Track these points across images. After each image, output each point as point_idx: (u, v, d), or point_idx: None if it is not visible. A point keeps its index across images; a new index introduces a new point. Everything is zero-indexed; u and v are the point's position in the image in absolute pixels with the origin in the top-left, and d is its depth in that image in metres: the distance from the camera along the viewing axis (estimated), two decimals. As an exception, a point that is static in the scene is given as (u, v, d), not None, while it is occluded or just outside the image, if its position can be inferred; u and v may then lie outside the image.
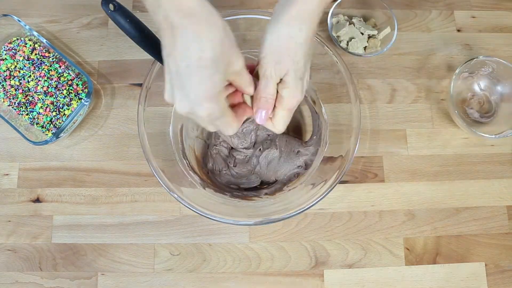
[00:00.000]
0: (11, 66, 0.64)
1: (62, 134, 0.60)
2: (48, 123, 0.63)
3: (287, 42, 0.39)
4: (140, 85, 0.67)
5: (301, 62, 0.40)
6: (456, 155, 0.66)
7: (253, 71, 0.44)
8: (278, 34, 0.39)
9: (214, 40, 0.35)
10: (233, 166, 0.62)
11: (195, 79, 0.36)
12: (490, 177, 0.65)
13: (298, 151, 0.61)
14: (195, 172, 0.59)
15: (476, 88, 0.68)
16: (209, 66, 0.35)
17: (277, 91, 0.42)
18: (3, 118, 0.61)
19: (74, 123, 0.62)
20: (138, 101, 0.54)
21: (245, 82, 0.41)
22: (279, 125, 0.44)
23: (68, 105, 0.63)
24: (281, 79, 0.41)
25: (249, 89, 0.42)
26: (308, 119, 0.65)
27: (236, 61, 0.38)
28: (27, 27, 0.63)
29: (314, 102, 0.62)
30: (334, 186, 0.52)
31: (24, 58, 0.64)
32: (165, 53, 0.37)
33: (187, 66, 0.35)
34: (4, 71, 0.64)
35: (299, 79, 0.41)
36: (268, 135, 0.62)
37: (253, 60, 0.60)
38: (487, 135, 0.61)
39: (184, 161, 0.59)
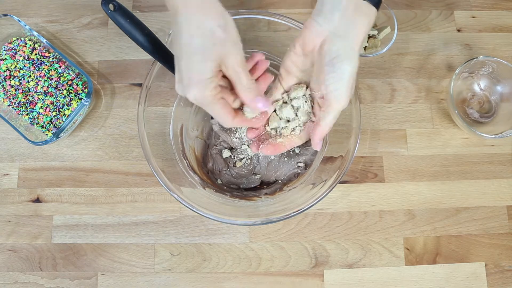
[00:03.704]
0: (11, 66, 0.64)
1: (62, 134, 0.60)
2: (48, 123, 0.63)
3: None
4: (140, 85, 0.67)
5: None
6: (456, 155, 0.66)
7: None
8: None
9: (204, 29, 0.36)
10: (233, 166, 0.62)
11: (184, 62, 0.37)
12: (490, 177, 0.65)
13: (298, 151, 0.61)
14: (195, 172, 0.59)
15: (476, 88, 0.68)
16: (196, 53, 0.36)
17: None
18: (3, 118, 0.61)
19: (74, 123, 0.62)
20: (138, 101, 0.54)
21: (241, 81, 0.40)
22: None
23: (68, 105, 0.63)
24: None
25: (243, 92, 0.41)
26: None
27: (233, 56, 0.38)
28: (27, 27, 0.63)
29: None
30: (334, 186, 0.52)
31: (24, 58, 0.64)
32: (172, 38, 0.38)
33: (180, 49, 0.37)
34: (4, 71, 0.64)
35: None
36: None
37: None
38: (487, 135, 0.61)
39: (184, 161, 0.59)
